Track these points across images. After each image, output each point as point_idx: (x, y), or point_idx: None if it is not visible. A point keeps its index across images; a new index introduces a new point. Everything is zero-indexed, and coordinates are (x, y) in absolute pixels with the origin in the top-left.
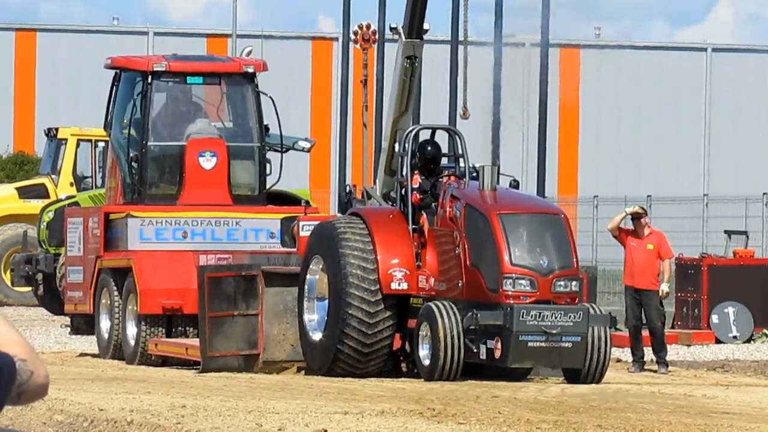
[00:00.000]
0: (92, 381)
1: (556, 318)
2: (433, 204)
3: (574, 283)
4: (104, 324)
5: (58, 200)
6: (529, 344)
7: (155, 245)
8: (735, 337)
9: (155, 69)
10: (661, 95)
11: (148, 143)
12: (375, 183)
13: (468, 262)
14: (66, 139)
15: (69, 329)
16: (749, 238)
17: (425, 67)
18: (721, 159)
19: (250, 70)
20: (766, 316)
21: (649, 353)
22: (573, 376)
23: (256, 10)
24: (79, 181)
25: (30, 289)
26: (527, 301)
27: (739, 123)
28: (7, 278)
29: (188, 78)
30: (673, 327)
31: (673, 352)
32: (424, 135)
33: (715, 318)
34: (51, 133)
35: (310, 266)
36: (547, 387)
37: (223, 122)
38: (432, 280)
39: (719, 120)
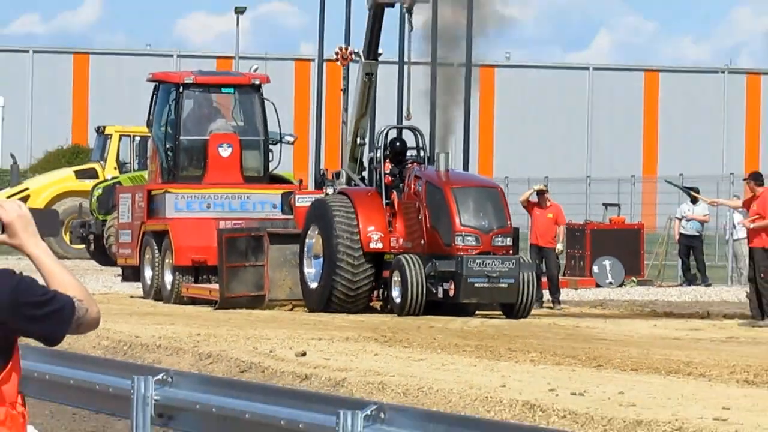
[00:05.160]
0: (130, 315)
1: (495, 265)
2: (401, 184)
3: (508, 239)
4: (147, 273)
5: (105, 180)
6: (475, 285)
7: (186, 214)
8: (610, 282)
9: (185, 81)
10: (556, 104)
11: (180, 137)
12: (342, 167)
13: (428, 225)
14: (111, 135)
15: (120, 277)
16: (621, 209)
17: (380, 81)
18: (601, 150)
19: (257, 82)
20: (633, 267)
21: (546, 295)
22: (508, 310)
23: (253, 39)
24: (121, 166)
25: (84, 246)
26: (473, 253)
27: (615, 122)
28: (67, 238)
29: (210, 88)
30: (564, 275)
31: (565, 294)
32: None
33: (595, 269)
34: (100, 130)
35: (309, 232)
36: (470, 320)
37: (237, 121)
38: (401, 240)
39: (600, 119)
